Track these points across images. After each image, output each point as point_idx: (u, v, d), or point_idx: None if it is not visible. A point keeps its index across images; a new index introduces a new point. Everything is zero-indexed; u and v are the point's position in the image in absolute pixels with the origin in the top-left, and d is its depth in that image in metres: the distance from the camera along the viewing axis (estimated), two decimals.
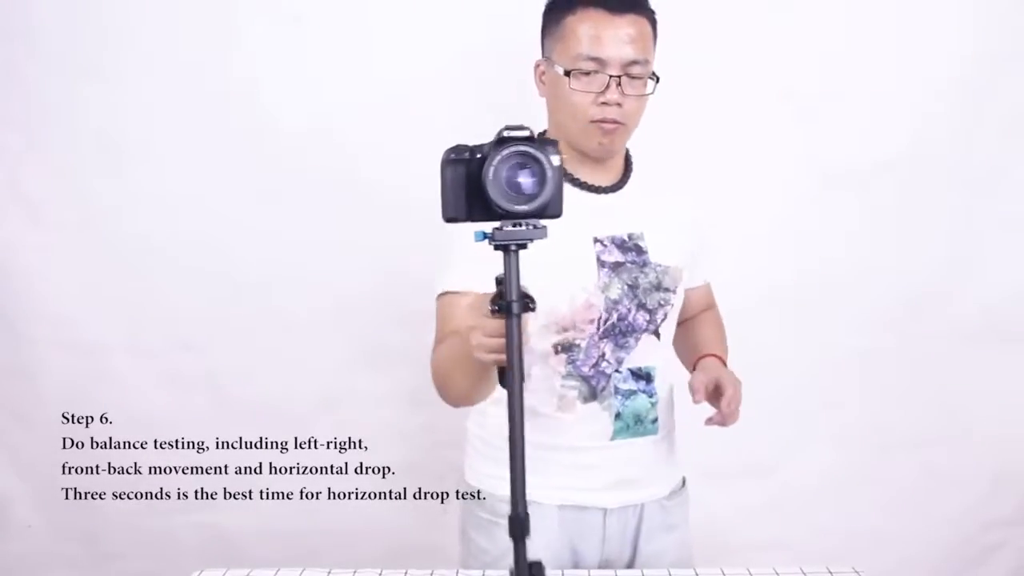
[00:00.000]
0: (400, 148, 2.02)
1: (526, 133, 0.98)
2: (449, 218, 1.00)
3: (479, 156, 0.97)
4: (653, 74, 1.36)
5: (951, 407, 2.17)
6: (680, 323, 1.53)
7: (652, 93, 1.36)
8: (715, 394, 1.36)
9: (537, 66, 1.40)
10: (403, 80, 2.02)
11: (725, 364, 1.47)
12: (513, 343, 0.97)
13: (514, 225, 0.96)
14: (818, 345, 2.13)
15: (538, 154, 0.96)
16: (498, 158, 0.95)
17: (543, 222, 0.97)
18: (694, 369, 1.47)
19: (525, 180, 0.96)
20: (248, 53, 2.02)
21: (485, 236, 0.97)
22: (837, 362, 2.14)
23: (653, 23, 1.38)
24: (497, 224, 0.97)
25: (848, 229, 2.10)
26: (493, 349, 1.06)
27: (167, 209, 2.07)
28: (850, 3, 2.02)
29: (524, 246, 0.98)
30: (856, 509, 2.18)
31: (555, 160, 0.97)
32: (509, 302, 0.97)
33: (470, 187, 0.98)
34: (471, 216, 0.98)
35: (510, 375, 0.98)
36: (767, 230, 2.09)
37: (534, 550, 1.38)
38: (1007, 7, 2.02)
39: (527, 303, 0.99)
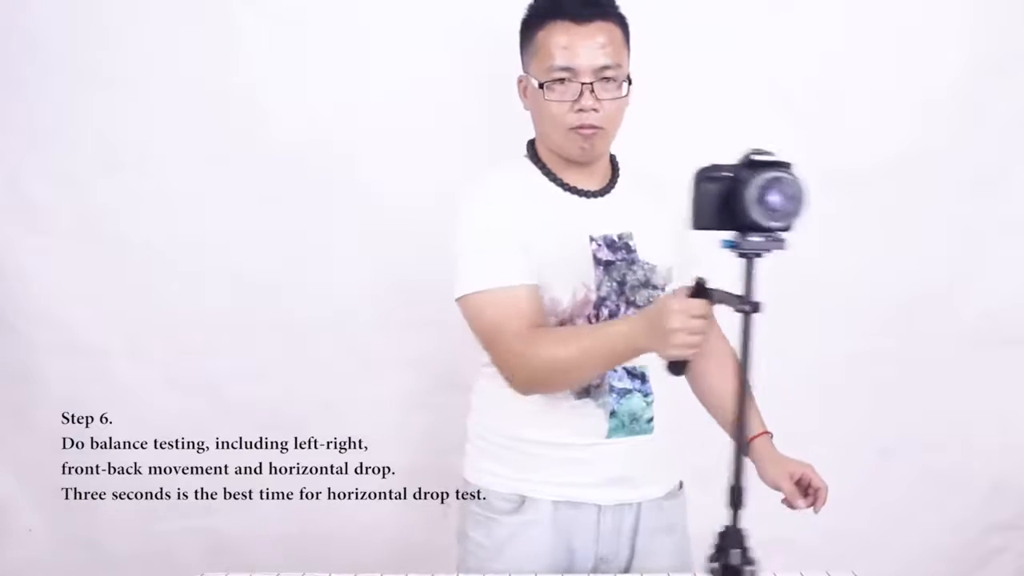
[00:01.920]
0: (400, 152, 2.03)
1: (775, 157, 1.07)
2: (703, 227, 1.11)
3: (731, 175, 1.07)
4: (628, 77, 1.40)
5: (951, 410, 2.17)
6: (695, 359, 1.56)
7: (626, 95, 1.40)
8: (799, 485, 1.44)
9: (519, 81, 1.45)
10: (403, 84, 2.03)
11: (769, 432, 1.52)
12: (749, 341, 1.07)
13: (761, 238, 1.06)
14: (817, 348, 2.13)
15: (794, 177, 1.05)
16: (758, 180, 1.04)
17: (783, 235, 1.07)
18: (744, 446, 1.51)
19: (777, 199, 1.04)
20: (248, 56, 2.03)
21: (732, 244, 1.06)
22: (837, 365, 2.14)
23: (624, 28, 1.42)
24: (743, 235, 1.06)
25: (848, 231, 2.10)
26: (693, 345, 1.16)
27: (167, 211, 2.07)
28: (850, 5, 2.03)
29: (760, 255, 1.07)
30: (856, 513, 2.17)
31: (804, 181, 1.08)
32: (750, 303, 1.07)
33: (722, 201, 1.08)
34: (722, 226, 1.08)
35: (742, 369, 1.08)
36: None
37: (528, 544, 1.40)
38: (1007, 9, 2.03)
39: (758, 306, 1.07)
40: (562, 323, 1.39)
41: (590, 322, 1.40)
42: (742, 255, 1.06)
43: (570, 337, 1.33)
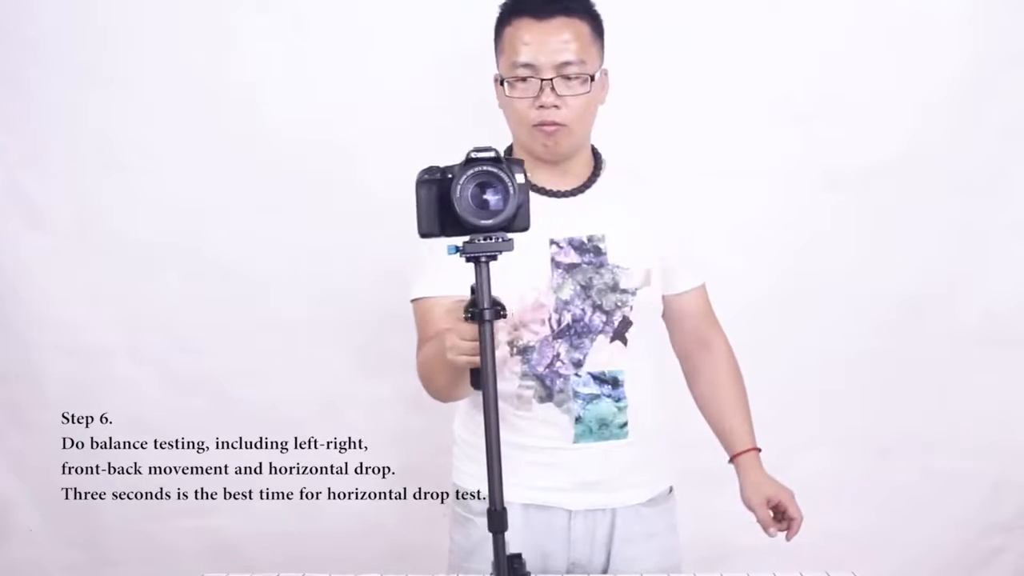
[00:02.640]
0: (400, 152, 2.01)
1: (492, 154, 1.05)
2: (424, 233, 1.08)
3: (449, 176, 1.05)
4: (593, 75, 1.37)
5: (952, 410, 2.17)
6: (695, 363, 1.56)
7: (590, 92, 1.38)
8: (775, 511, 1.44)
9: (495, 81, 1.44)
10: (402, 83, 2.03)
11: (758, 448, 1.50)
12: (486, 347, 1.05)
13: (484, 239, 1.03)
14: (818, 348, 2.13)
15: (501, 173, 1.03)
16: (464, 177, 1.02)
17: (510, 235, 1.05)
18: (732, 461, 1.50)
19: (490, 197, 1.03)
20: (247, 56, 2.04)
21: (457, 250, 1.04)
22: (837, 365, 2.14)
23: (593, 23, 1.40)
24: (467, 238, 1.04)
25: (848, 231, 2.11)
26: (465, 352, 1.12)
27: (167, 212, 2.08)
28: (850, 5, 2.03)
29: (494, 258, 1.05)
30: (857, 513, 2.18)
31: (519, 178, 1.05)
32: (481, 309, 1.04)
33: (442, 205, 1.05)
34: (444, 231, 1.06)
35: (483, 377, 1.06)
36: (767, 232, 2.09)
37: None
38: (1006, 9, 2.03)
39: (498, 311, 1.05)
40: (514, 327, 1.39)
41: (551, 328, 1.39)
42: (469, 259, 1.03)
43: (427, 345, 1.36)
